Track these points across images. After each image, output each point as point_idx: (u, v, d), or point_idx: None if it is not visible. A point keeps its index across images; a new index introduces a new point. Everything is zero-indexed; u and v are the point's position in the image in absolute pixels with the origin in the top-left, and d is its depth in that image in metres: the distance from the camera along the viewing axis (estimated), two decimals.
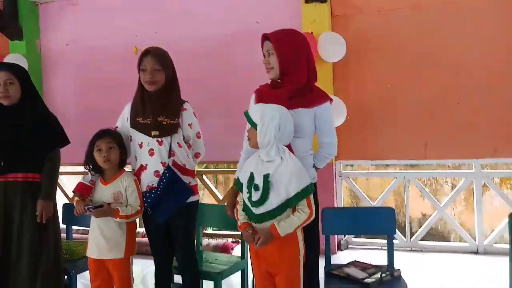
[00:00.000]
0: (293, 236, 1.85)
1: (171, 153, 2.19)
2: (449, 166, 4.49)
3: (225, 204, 2.12)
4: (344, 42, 3.47)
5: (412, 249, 3.68)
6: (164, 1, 4.17)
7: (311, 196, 1.84)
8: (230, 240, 3.90)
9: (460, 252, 3.49)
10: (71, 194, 4.61)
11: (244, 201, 1.93)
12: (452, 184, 5.29)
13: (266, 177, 1.80)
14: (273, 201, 1.80)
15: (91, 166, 2.24)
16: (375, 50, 3.63)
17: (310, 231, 1.92)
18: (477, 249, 3.46)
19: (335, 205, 3.66)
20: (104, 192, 2.22)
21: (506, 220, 2.45)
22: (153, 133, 2.17)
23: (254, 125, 1.85)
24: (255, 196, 1.83)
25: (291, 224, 1.79)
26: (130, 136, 2.28)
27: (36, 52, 4.52)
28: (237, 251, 3.71)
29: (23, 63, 4.19)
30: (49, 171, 2.41)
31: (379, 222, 2.43)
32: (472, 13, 3.40)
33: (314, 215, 1.84)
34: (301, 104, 1.94)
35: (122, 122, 2.33)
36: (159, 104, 2.20)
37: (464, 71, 3.42)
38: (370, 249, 3.74)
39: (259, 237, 1.82)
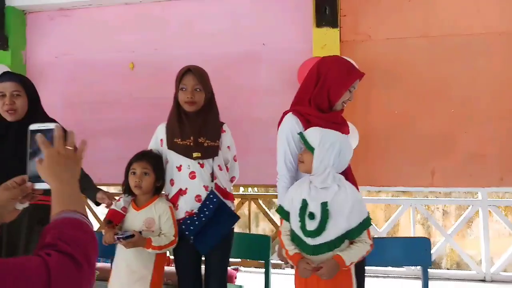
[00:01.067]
0: (347, 269, 1.75)
1: (213, 176, 2.06)
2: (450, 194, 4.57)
3: None
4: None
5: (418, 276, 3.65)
6: (165, 17, 3.98)
7: (370, 227, 1.78)
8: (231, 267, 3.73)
9: (467, 280, 3.51)
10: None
11: (293, 230, 1.82)
12: (443, 210, 5.41)
13: (324, 205, 1.69)
14: (331, 232, 1.70)
15: (125, 189, 2.07)
16: (383, 77, 3.64)
17: (358, 263, 1.82)
18: (485, 277, 3.49)
19: None
20: (135, 218, 2.06)
21: None
22: (194, 154, 2.04)
23: (311, 149, 1.76)
24: (311, 225, 1.72)
25: (356, 253, 1.71)
26: (166, 159, 2.12)
27: (22, 64, 4.21)
28: (240, 279, 3.54)
29: None
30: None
31: (414, 253, 2.38)
32: (483, 46, 3.48)
33: (373, 247, 1.76)
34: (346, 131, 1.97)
35: (156, 144, 2.18)
36: (198, 124, 2.09)
37: (472, 101, 3.48)
38: (384, 277, 3.69)
39: (323, 270, 1.71)
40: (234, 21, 3.88)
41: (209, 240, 2.04)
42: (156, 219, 2.04)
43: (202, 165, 2.06)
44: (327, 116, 1.96)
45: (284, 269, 3.82)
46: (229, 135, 2.19)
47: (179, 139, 2.07)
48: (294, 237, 1.81)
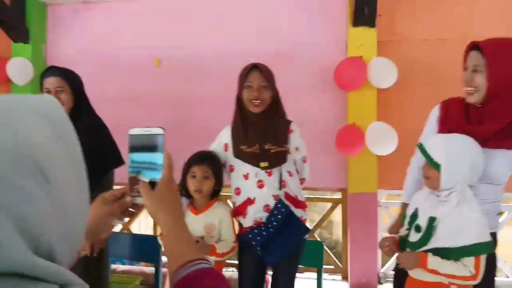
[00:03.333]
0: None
1: (282, 184, 1.94)
2: None
3: None
4: (395, 68, 3.38)
5: None
6: (193, 12, 3.87)
7: (482, 257, 1.53)
8: None
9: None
10: None
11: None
12: None
13: (431, 221, 1.56)
14: (432, 247, 1.58)
15: (182, 191, 1.96)
16: (420, 79, 3.57)
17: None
18: None
19: (379, 236, 3.51)
20: (195, 223, 1.95)
21: None
22: (262, 164, 1.92)
23: (436, 166, 1.54)
24: (414, 237, 1.61)
25: (446, 265, 1.54)
26: (231, 166, 2.00)
27: (42, 57, 4.07)
28: None
29: (29, 69, 3.79)
30: None
31: None
32: None
33: (477, 280, 1.52)
34: (504, 144, 1.59)
35: (219, 147, 2.05)
36: (264, 128, 1.95)
37: None
38: None
39: (402, 256, 1.62)
40: (265, 18, 3.77)
41: (276, 252, 1.93)
42: (216, 223, 1.94)
43: (270, 173, 1.94)
44: (467, 127, 1.64)
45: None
46: (297, 134, 2.06)
47: (245, 146, 1.96)
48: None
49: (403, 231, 1.71)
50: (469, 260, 1.52)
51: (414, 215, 1.64)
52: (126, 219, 0.95)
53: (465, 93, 1.65)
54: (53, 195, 0.55)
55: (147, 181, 0.85)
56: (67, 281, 0.52)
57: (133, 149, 0.88)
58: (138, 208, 0.91)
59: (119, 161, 2.22)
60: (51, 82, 2.09)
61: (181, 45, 3.86)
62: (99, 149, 2.09)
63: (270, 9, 3.76)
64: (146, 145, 0.89)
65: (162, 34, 3.90)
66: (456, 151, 1.54)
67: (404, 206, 1.83)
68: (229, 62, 3.80)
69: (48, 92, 2.08)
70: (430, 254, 1.56)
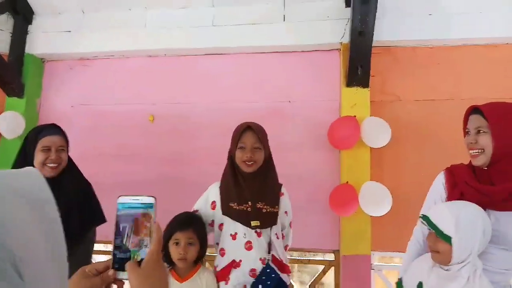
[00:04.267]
0: None
1: (270, 246, 1.86)
2: None
3: None
4: (389, 128, 3.39)
5: None
6: (188, 70, 3.92)
7: None
8: None
9: None
10: None
11: None
12: None
13: None
14: None
15: (163, 258, 1.85)
16: (412, 138, 3.58)
17: None
18: None
19: None
20: None
21: None
22: (253, 223, 1.84)
23: (447, 239, 1.41)
24: None
25: None
26: (220, 224, 1.93)
27: (35, 112, 4.07)
28: None
29: (21, 123, 3.77)
30: (84, 257, 2.00)
31: None
32: None
33: None
34: None
35: (205, 205, 1.98)
36: (257, 187, 1.90)
37: None
38: None
39: None
40: (260, 77, 3.82)
41: None
42: None
43: (259, 234, 1.87)
44: (480, 186, 1.57)
45: None
46: (287, 198, 2.02)
47: (235, 204, 1.88)
48: None
49: None
50: None
51: None
52: None
53: (470, 157, 1.63)
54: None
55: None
56: None
57: (120, 231, 0.83)
58: (121, 284, 0.84)
59: (102, 217, 2.18)
60: (54, 140, 2.02)
61: (176, 102, 3.88)
62: (86, 206, 2.04)
63: (265, 68, 3.83)
64: (135, 225, 0.83)
65: (157, 91, 3.93)
66: (468, 220, 1.43)
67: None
68: (223, 119, 3.81)
69: (48, 150, 1.98)
70: None
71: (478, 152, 1.58)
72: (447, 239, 1.42)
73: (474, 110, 1.64)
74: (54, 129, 2.07)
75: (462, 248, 1.41)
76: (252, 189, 1.90)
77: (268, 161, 1.99)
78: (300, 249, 3.61)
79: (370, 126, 3.35)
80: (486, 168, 1.60)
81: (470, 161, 1.66)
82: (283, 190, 2.01)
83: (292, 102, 3.76)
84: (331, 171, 3.58)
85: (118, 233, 0.83)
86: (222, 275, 1.87)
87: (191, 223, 1.88)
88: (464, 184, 1.61)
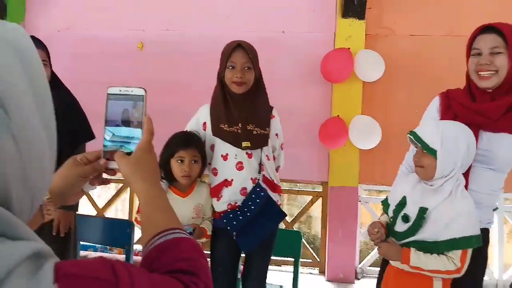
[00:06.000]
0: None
1: (261, 167, 1.88)
2: None
3: None
4: (383, 62, 3.35)
5: None
6: None
7: (469, 251, 1.47)
8: None
9: None
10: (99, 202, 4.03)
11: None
12: None
13: (422, 212, 1.47)
14: (419, 239, 1.50)
15: (162, 174, 1.86)
16: (405, 74, 3.55)
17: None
18: (496, 285, 3.44)
19: (358, 231, 3.49)
20: (184, 206, 1.86)
21: None
22: (244, 144, 1.84)
23: (432, 152, 1.45)
24: (401, 227, 1.55)
25: (429, 262, 1.47)
26: (212, 145, 1.93)
27: None
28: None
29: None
30: None
31: None
32: None
33: (461, 273, 1.47)
34: (509, 128, 1.52)
35: (197, 126, 1.96)
36: (248, 109, 1.88)
37: None
38: None
39: (383, 247, 1.56)
40: (253, 5, 3.69)
41: (253, 237, 1.87)
42: (203, 204, 1.88)
43: (250, 155, 1.87)
44: (474, 105, 1.57)
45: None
46: (278, 120, 2.01)
47: (226, 125, 1.87)
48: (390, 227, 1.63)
49: (384, 218, 1.66)
50: (456, 253, 1.46)
51: (401, 204, 1.57)
52: (96, 187, 0.87)
53: (477, 78, 1.56)
54: (14, 130, 0.48)
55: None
56: (15, 235, 0.46)
57: (110, 122, 0.82)
58: (112, 173, 0.83)
59: (91, 134, 2.22)
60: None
61: (166, 29, 3.76)
62: (73, 121, 2.04)
63: None
64: (125, 116, 0.82)
65: (147, 17, 3.79)
66: (453, 135, 1.46)
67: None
68: (214, 48, 3.70)
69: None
70: (413, 250, 1.49)
71: (490, 74, 1.52)
72: (433, 152, 1.45)
73: (486, 29, 1.55)
74: (35, 42, 2.00)
75: (446, 162, 1.44)
76: (243, 110, 1.88)
77: (259, 82, 1.95)
78: (290, 180, 3.68)
79: (364, 59, 3.31)
80: (490, 91, 1.57)
81: (468, 85, 1.63)
82: (274, 112, 1.99)
83: (286, 33, 3.67)
84: (323, 105, 3.57)
85: (108, 124, 0.81)
86: (215, 192, 1.91)
87: (193, 141, 1.88)
88: (459, 105, 1.61)
